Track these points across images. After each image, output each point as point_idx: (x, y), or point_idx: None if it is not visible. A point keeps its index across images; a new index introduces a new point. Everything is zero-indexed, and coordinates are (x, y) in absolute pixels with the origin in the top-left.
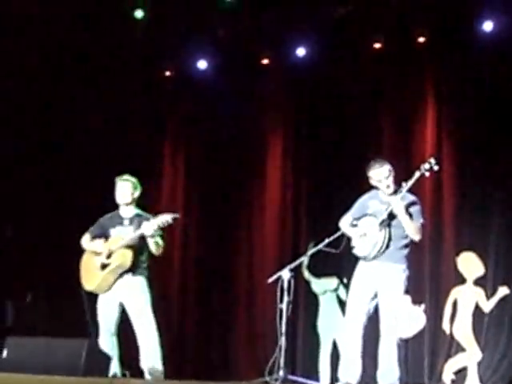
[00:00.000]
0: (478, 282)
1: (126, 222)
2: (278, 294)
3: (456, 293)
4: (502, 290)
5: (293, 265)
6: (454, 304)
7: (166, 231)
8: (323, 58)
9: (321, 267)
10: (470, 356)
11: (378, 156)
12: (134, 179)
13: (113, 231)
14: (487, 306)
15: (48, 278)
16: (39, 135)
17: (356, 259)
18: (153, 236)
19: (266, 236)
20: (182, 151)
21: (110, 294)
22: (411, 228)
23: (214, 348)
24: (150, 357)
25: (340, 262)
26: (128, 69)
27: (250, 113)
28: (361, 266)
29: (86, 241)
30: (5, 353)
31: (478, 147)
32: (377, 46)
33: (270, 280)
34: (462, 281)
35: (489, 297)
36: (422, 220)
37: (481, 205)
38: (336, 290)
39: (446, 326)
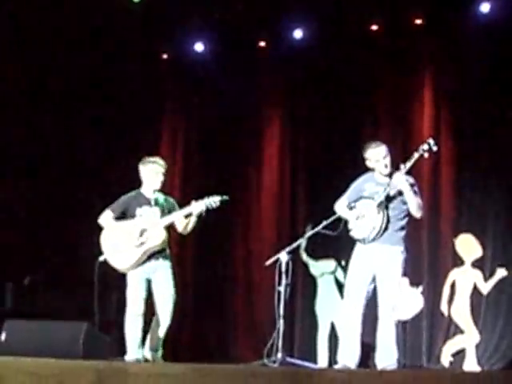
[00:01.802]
0: (476, 263)
1: (153, 202)
2: (276, 276)
3: (454, 275)
4: (500, 272)
5: (291, 247)
6: (452, 286)
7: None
8: (320, 40)
9: (319, 250)
10: (468, 338)
11: (375, 138)
12: (162, 162)
13: (139, 211)
14: (485, 287)
15: (47, 260)
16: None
17: (354, 241)
18: (199, 216)
19: (264, 219)
20: (180, 135)
21: (142, 273)
22: (415, 204)
23: (212, 331)
24: (154, 340)
25: (338, 245)
26: (125, 51)
27: (246, 95)
28: (358, 249)
29: (107, 218)
30: (3, 336)
31: (477, 129)
32: (374, 27)
33: (268, 263)
34: (460, 263)
35: (487, 279)
36: (420, 200)
37: (479, 187)
38: (334, 272)
39: (444, 307)
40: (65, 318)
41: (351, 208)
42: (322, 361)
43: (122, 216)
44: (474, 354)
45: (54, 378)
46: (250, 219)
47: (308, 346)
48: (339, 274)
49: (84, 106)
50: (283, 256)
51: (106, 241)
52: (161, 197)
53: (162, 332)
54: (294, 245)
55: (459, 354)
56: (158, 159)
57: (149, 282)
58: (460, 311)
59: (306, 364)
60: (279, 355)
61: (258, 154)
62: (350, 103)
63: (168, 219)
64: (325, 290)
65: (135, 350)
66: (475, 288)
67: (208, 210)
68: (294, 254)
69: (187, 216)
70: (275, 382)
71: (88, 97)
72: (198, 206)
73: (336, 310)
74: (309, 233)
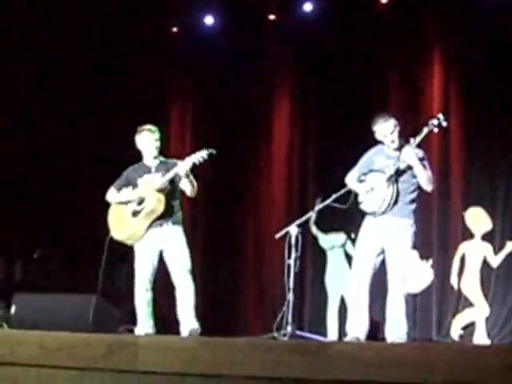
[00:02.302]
0: (486, 237)
1: (153, 169)
2: (286, 249)
3: (464, 248)
4: (510, 245)
5: (300, 220)
6: (462, 259)
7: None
8: (330, 13)
9: (328, 223)
10: (478, 311)
11: (385, 110)
12: (154, 128)
13: (140, 180)
14: (495, 261)
15: (57, 233)
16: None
17: (363, 214)
18: (187, 176)
19: (274, 192)
20: (190, 109)
21: (149, 244)
22: (425, 178)
23: (222, 304)
24: (187, 310)
25: (347, 218)
26: (135, 25)
27: (256, 69)
28: (368, 222)
29: (112, 194)
30: (13, 309)
31: (486, 103)
32: (384, 1)
33: (278, 236)
34: (470, 236)
35: (496, 252)
36: (430, 174)
37: (488, 160)
38: (343, 245)
39: (453, 281)
40: (74, 291)
41: (361, 181)
42: (332, 334)
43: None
44: (483, 327)
45: (64, 351)
46: (260, 192)
47: (318, 319)
48: (349, 247)
49: (92, 80)
50: (293, 229)
51: (111, 216)
52: (162, 161)
53: (188, 302)
54: (304, 218)
55: (469, 328)
56: (150, 126)
57: (161, 252)
58: (470, 284)
59: (316, 337)
60: (289, 328)
61: (268, 129)
62: (360, 76)
63: (159, 182)
64: (334, 263)
65: (145, 323)
66: (485, 261)
67: (196, 166)
68: (304, 227)
69: (174, 182)
70: (285, 355)
71: (96, 71)
72: (184, 165)
73: (346, 283)
74: (318, 206)
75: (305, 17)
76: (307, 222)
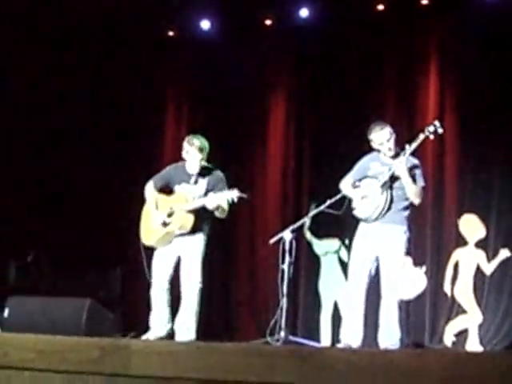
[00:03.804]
0: (480, 244)
1: (193, 179)
2: (280, 254)
3: (457, 255)
4: (504, 253)
5: (295, 226)
6: (456, 266)
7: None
8: (326, 19)
9: (322, 228)
10: (471, 318)
11: (380, 118)
12: (203, 139)
13: (177, 188)
14: (488, 268)
15: (51, 236)
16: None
17: (358, 221)
18: (216, 209)
19: (268, 197)
20: (185, 112)
21: (169, 247)
22: (412, 191)
23: (215, 308)
24: (187, 321)
25: (342, 224)
26: (131, 28)
27: (252, 74)
28: (362, 228)
29: (149, 190)
30: (6, 312)
31: (481, 109)
32: (380, 7)
33: (272, 241)
34: (464, 243)
35: (490, 259)
36: (423, 183)
37: (483, 167)
38: (337, 251)
39: (447, 288)
40: (68, 294)
41: (356, 187)
42: (325, 340)
43: (166, 188)
44: (476, 334)
45: (57, 355)
46: (255, 198)
47: (311, 325)
48: (343, 253)
49: (87, 82)
50: (287, 234)
51: (143, 217)
52: (205, 173)
53: (188, 312)
54: (298, 223)
55: (462, 334)
56: (199, 137)
57: (179, 258)
58: (463, 291)
59: (309, 342)
60: (282, 334)
61: (263, 132)
62: (356, 81)
63: (191, 205)
64: (328, 269)
65: (158, 327)
66: (478, 268)
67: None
68: (298, 232)
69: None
70: (278, 361)
71: (91, 73)
72: (212, 200)
73: (339, 290)
74: (313, 211)
75: (301, 22)
76: (301, 227)
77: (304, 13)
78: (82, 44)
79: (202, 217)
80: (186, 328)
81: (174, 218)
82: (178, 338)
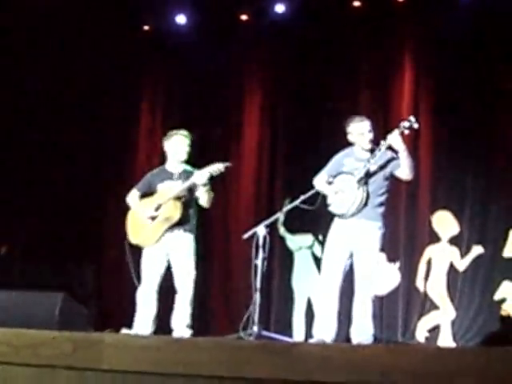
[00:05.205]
0: (453, 240)
1: (175, 176)
2: (254, 250)
3: (430, 251)
4: (477, 249)
5: (268, 221)
6: (429, 262)
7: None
8: (302, 14)
9: (296, 224)
10: (444, 314)
11: (355, 114)
12: (187, 133)
13: (160, 185)
14: (461, 264)
15: (25, 230)
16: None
17: (332, 216)
18: (204, 185)
19: (242, 192)
20: (160, 107)
21: (158, 247)
22: (409, 164)
23: None
24: (182, 317)
25: (315, 219)
26: (106, 23)
27: (228, 69)
28: (336, 224)
29: (132, 197)
30: None
31: (455, 107)
32: (356, 4)
33: (246, 236)
34: (437, 239)
35: (463, 255)
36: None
37: (456, 165)
38: (311, 246)
39: (420, 283)
40: (42, 289)
41: (330, 183)
42: (298, 335)
43: (148, 194)
44: (449, 330)
45: (30, 349)
46: (228, 192)
47: (284, 320)
48: (316, 248)
49: (64, 77)
50: (261, 229)
51: (129, 220)
52: (186, 169)
53: (185, 309)
54: (272, 218)
55: (434, 330)
56: (181, 131)
57: (168, 256)
58: (436, 287)
59: (282, 338)
60: (255, 328)
61: (237, 127)
62: (332, 77)
63: (175, 190)
64: (302, 264)
65: (143, 326)
66: (451, 265)
67: (212, 178)
68: (272, 227)
69: (192, 191)
70: (251, 355)
71: (68, 67)
72: (201, 175)
73: (312, 285)
74: (287, 207)
75: (276, 18)
76: (275, 222)
77: (280, 8)
78: (55, 38)
79: (189, 208)
80: (183, 323)
81: (161, 211)
82: (176, 334)
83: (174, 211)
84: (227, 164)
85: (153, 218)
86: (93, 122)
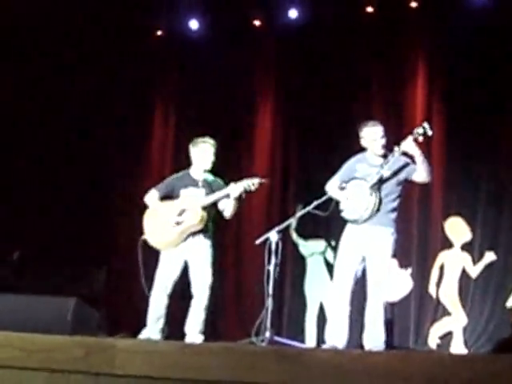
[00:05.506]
0: (465, 247)
1: (200, 183)
2: (266, 255)
3: (443, 257)
4: (489, 256)
5: (281, 226)
6: (441, 268)
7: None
8: (315, 20)
9: (309, 229)
10: (456, 320)
11: (368, 119)
12: (213, 141)
13: (184, 191)
14: (474, 271)
15: (37, 235)
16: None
17: (344, 222)
18: (235, 198)
19: (255, 197)
20: (173, 111)
21: (177, 252)
22: (426, 168)
23: None
24: (196, 323)
25: (328, 225)
26: (120, 28)
27: (241, 74)
28: (349, 229)
29: (152, 197)
30: None
31: (468, 111)
32: (369, 9)
33: (258, 241)
34: (449, 245)
35: (475, 262)
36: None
37: (469, 170)
38: (323, 252)
39: (432, 290)
40: (53, 293)
41: (342, 188)
42: (310, 340)
43: (168, 196)
44: (461, 336)
45: (42, 353)
46: (241, 198)
47: (296, 326)
48: (329, 254)
49: (76, 80)
50: (273, 235)
51: (147, 220)
52: (210, 178)
53: (199, 315)
54: (285, 224)
55: (446, 337)
56: (207, 139)
57: (186, 262)
58: (448, 294)
59: (294, 343)
60: (267, 334)
61: (250, 132)
62: (344, 82)
63: (206, 200)
64: (314, 270)
65: (153, 328)
66: (464, 271)
67: (246, 192)
68: (284, 233)
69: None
70: (262, 361)
71: (81, 70)
72: (236, 188)
73: (325, 291)
74: (299, 212)
75: (290, 23)
76: (288, 228)
77: (293, 14)
78: (70, 44)
79: (209, 216)
80: (198, 331)
81: (185, 217)
82: (189, 339)
83: (200, 221)
84: (262, 180)
85: (178, 224)
86: (105, 128)
